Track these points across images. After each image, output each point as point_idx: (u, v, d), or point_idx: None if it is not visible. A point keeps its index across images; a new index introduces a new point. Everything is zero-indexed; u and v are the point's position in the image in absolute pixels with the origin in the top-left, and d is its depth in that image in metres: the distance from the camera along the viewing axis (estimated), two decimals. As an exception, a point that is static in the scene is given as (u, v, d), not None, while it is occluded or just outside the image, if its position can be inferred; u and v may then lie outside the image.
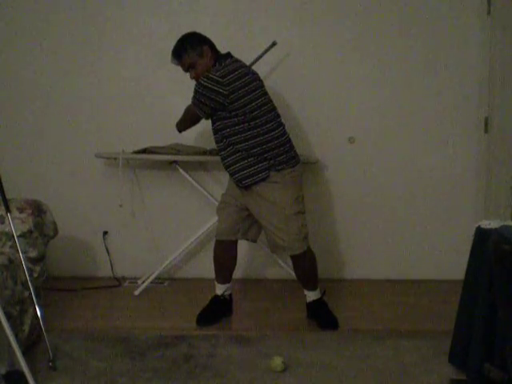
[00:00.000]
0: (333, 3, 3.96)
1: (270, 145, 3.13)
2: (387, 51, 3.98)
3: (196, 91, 3.12)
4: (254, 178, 3.13)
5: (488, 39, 3.84)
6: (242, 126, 3.10)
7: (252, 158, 3.13)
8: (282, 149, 3.16)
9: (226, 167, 3.22)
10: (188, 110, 3.32)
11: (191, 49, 3.18)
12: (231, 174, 3.21)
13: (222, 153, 3.20)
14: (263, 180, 3.13)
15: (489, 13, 3.83)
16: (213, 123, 3.20)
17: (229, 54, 3.23)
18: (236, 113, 3.08)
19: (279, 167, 3.14)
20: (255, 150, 3.12)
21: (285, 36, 3.94)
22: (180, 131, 3.47)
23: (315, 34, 3.98)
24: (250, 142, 3.11)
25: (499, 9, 3.72)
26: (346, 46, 3.99)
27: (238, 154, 3.14)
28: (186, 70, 3.25)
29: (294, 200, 3.17)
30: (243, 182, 3.16)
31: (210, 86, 3.05)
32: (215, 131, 3.20)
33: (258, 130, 3.11)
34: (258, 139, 3.11)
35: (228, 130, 3.12)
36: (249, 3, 3.98)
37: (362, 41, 3.98)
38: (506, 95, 3.68)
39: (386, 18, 3.96)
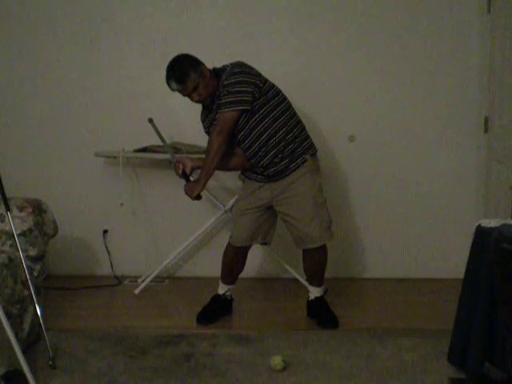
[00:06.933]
0: (334, 3, 3.96)
1: (296, 129, 3.18)
2: (387, 50, 3.98)
3: (229, 92, 3.00)
4: (294, 164, 3.15)
5: (488, 38, 3.84)
6: (276, 110, 3.10)
7: (291, 145, 3.14)
8: (304, 133, 3.22)
9: (266, 167, 3.14)
10: (221, 130, 3.05)
11: (193, 70, 3.03)
12: (272, 169, 3.14)
13: (260, 153, 3.12)
14: (300, 166, 3.16)
15: (489, 11, 3.82)
16: (246, 122, 3.08)
17: (224, 66, 3.15)
18: (270, 97, 3.08)
19: (311, 151, 3.21)
20: (290, 136, 3.14)
21: (285, 35, 3.96)
22: (216, 162, 3.09)
23: (315, 33, 3.98)
24: (284, 128, 3.12)
25: (499, 7, 3.71)
26: (347, 46, 3.99)
27: (279, 146, 3.12)
28: (189, 93, 3.09)
29: (321, 189, 3.23)
30: (286, 171, 3.15)
31: (243, 78, 3.02)
32: (248, 132, 3.10)
33: (285, 114, 3.14)
34: (289, 124, 3.14)
35: (266, 120, 3.08)
36: (250, 2, 3.98)
37: (362, 40, 3.98)
38: (505, 95, 3.66)
39: (386, 17, 3.96)
